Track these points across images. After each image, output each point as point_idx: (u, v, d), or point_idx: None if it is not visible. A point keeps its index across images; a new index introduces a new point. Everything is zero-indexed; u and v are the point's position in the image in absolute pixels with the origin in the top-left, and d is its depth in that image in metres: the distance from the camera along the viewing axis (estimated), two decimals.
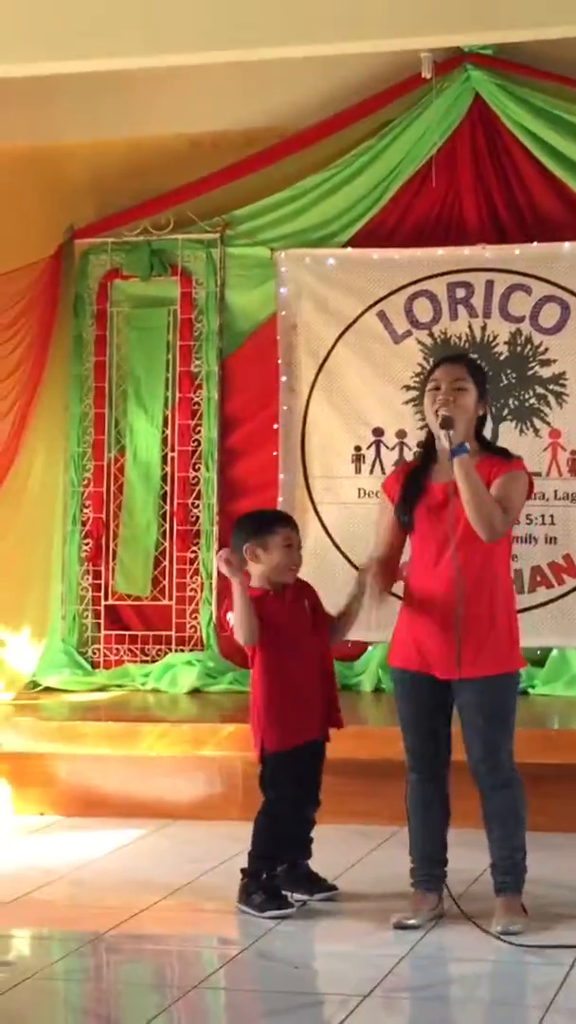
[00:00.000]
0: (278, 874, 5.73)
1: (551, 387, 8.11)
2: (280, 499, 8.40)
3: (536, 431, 8.11)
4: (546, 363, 8.13)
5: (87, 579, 8.68)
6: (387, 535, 5.59)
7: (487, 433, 7.75)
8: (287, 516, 6.07)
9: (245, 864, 5.76)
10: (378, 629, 7.98)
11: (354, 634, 8.10)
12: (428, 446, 5.57)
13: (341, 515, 8.34)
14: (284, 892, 5.69)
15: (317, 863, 5.90)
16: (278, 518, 5.98)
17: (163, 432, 8.62)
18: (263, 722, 5.74)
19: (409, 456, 8.11)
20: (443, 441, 5.38)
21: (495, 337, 8.20)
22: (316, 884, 5.83)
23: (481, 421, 5.57)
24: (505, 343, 8.18)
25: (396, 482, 5.60)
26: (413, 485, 5.52)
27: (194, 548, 8.55)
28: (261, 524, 5.85)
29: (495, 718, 5.42)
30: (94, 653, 8.66)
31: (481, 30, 7.32)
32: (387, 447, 8.27)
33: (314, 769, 5.82)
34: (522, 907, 5.42)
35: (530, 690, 7.88)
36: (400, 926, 5.41)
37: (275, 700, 5.72)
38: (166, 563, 8.58)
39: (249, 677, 5.93)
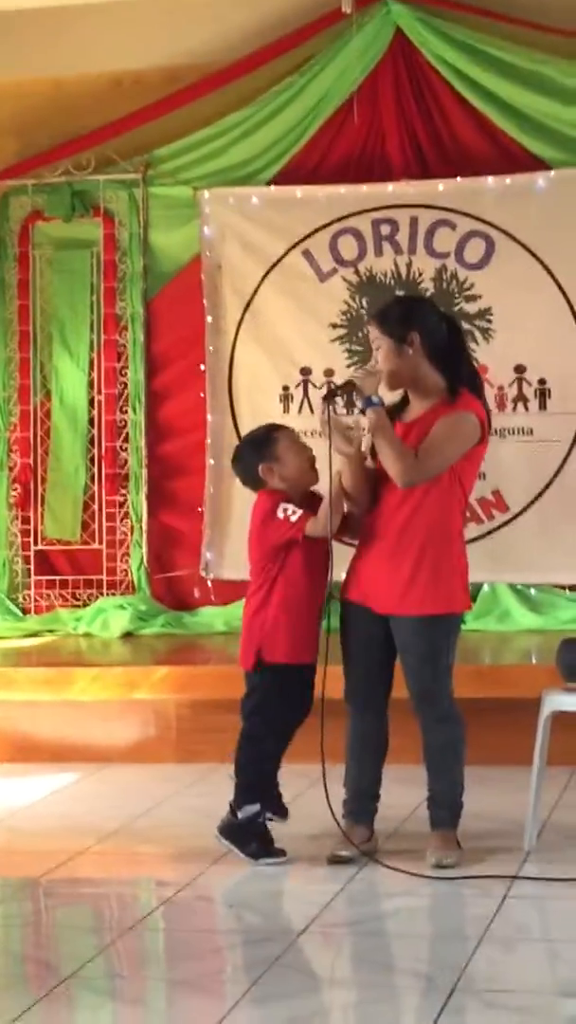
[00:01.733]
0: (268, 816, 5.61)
1: (477, 323, 8.11)
2: (208, 440, 8.38)
3: None
4: (472, 299, 8.12)
5: (16, 525, 8.64)
6: None
7: None
8: (276, 424, 5.85)
9: (231, 798, 5.62)
10: None
11: None
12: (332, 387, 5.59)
13: None
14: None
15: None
16: (271, 428, 5.77)
17: (89, 375, 8.57)
18: (269, 629, 5.56)
19: None
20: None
21: (420, 273, 8.18)
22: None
23: (434, 348, 5.41)
24: (431, 279, 8.17)
25: None
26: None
27: (123, 491, 8.52)
28: (261, 441, 5.69)
29: (427, 657, 5.42)
30: (25, 599, 8.63)
31: None
32: (315, 386, 8.26)
33: (306, 696, 5.61)
34: (456, 841, 5.45)
35: (461, 625, 7.88)
36: (333, 859, 5.43)
37: (291, 611, 5.56)
38: (95, 507, 8.55)
39: (244, 599, 5.77)
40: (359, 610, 5.48)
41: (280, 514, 5.52)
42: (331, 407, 5.35)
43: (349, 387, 5.39)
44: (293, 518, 5.50)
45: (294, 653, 5.57)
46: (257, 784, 5.60)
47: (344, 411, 5.41)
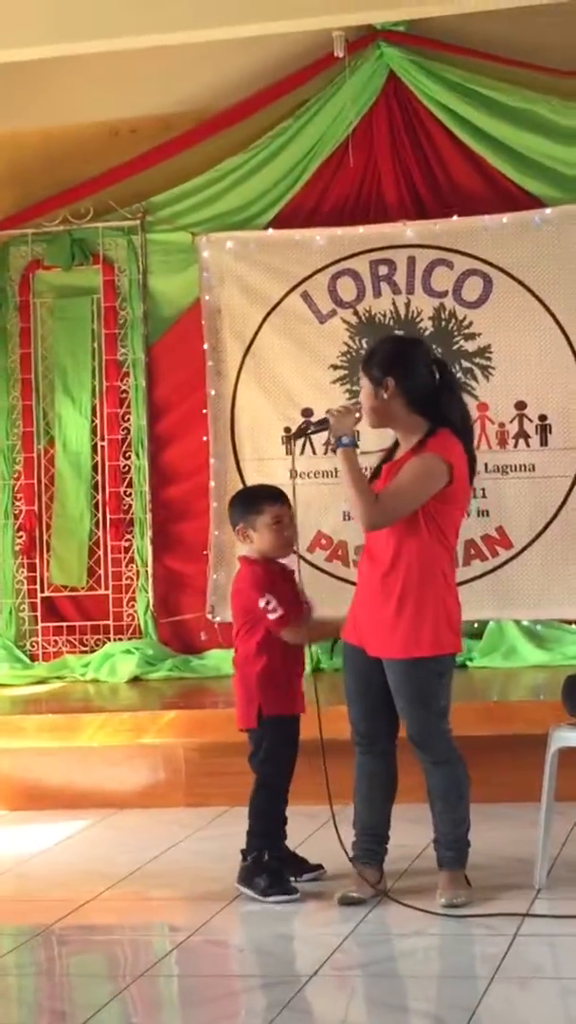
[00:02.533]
0: (280, 855, 5.68)
1: (476, 360, 8.15)
2: (212, 483, 8.41)
3: None
4: (471, 337, 8.16)
5: (22, 572, 8.66)
6: None
7: None
8: (276, 491, 5.83)
9: (244, 846, 5.69)
10: (318, 608, 8.08)
11: None
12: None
13: None
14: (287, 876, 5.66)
15: None
16: (266, 495, 5.79)
17: (92, 421, 8.61)
18: (265, 687, 5.64)
19: None
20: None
21: (419, 313, 8.22)
22: (301, 865, 5.79)
23: (411, 392, 5.42)
24: (429, 318, 8.21)
25: None
26: (376, 470, 5.58)
27: (128, 536, 8.55)
28: (248, 503, 5.77)
29: (415, 700, 5.41)
30: (32, 646, 8.64)
31: (392, 7, 7.36)
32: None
33: (296, 747, 5.75)
34: (465, 879, 5.45)
35: (468, 663, 7.92)
36: (345, 901, 5.44)
37: (280, 666, 5.67)
38: (100, 552, 8.57)
39: (229, 657, 5.89)
40: (356, 651, 5.50)
41: (262, 604, 5.64)
42: (294, 444, 5.45)
43: (323, 424, 5.46)
44: (272, 616, 5.64)
45: (289, 706, 5.70)
46: (268, 831, 5.65)
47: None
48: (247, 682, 5.71)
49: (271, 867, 5.62)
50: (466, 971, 4.90)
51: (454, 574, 5.55)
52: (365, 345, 8.15)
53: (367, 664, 5.47)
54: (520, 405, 8.10)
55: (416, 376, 5.45)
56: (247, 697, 5.72)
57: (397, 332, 8.06)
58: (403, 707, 5.43)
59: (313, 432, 5.54)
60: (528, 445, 8.10)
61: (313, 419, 5.59)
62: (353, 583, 5.72)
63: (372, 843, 5.55)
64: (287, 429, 8.33)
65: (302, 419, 8.28)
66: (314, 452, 8.23)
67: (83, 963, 5.25)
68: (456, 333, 8.18)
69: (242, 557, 5.85)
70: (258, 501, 5.75)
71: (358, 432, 5.52)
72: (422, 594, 5.38)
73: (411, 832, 5.71)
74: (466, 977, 4.82)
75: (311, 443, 8.28)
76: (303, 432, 5.51)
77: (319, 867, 5.81)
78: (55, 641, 8.61)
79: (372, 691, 5.48)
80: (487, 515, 8.11)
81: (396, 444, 5.56)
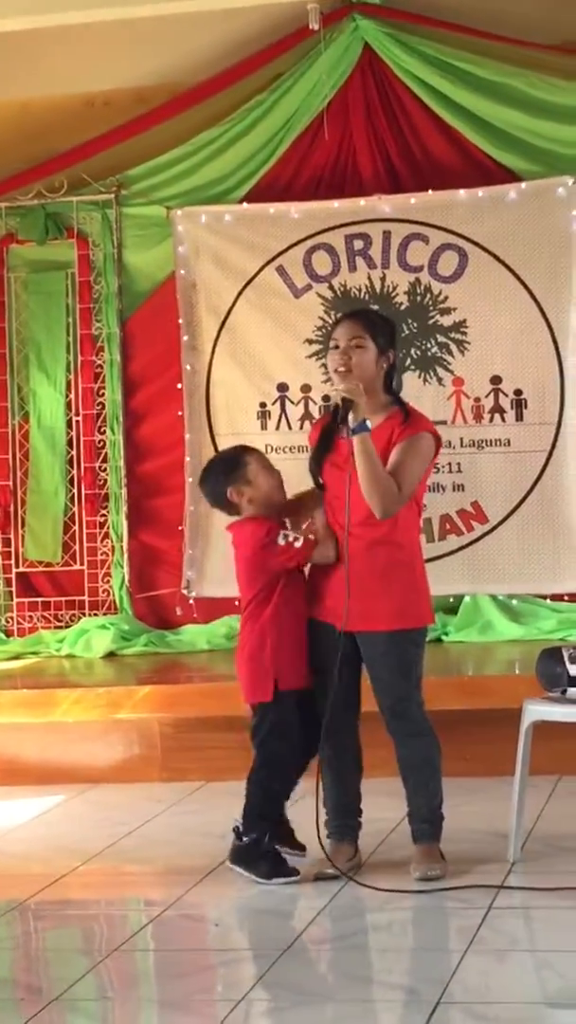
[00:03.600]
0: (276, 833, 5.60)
1: (452, 335, 8.14)
2: (188, 458, 8.39)
3: (440, 380, 8.14)
4: (446, 311, 8.15)
5: None
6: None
7: None
8: (245, 445, 5.86)
9: (238, 825, 5.57)
10: None
11: None
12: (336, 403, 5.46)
13: None
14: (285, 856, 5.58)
15: (233, 819, 5.92)
16: (238, 450, 5.76)
17: (67, 396, 8.58)
18: (276, 660, 5.50)
19: (315, 410, 8.15)
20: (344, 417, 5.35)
21: (395, 287, 8.20)
22: (288, 839, 5.70)
23: (390, 372, 5.53)
24: (405, 293, 8.19)
25: (315, 435, 5.61)
26: (324, 441, 5.52)
27: (103, 511, 8.53)
28: (228, 465, 5.67)
29: (396, 671, 5.43)
30: (7, 621, 8.62)
31: None
32: (292, 402, 8.28)
33: (312, 715, 5.54)
34: (440, 853, 5.46)
35: (444, 637, 7.93)
36: (319, 877, 5.44)
37: (296, 637, 5.53)
38: (76, 528, 8.55)
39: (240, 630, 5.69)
40: (325, 627, 5.48)
41: (281, 541, 5.48)
42: (339, 425, 5.37)
43: (351, 405, 5.32)
44: (297, 544, 5.47)
45: (301, 679, 5.55)
46: (267, 808, 5.57)
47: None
48: (262, 654, 5.54)
49: (270, 849, 5.53)
50: (440, 944, 4.91)
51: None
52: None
53: (335, 640, 5.43)
54: (496, 380, 8.10)
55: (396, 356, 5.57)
56: (261, 670, 5.54)
57: (374, 307, 8.04)
58: (383, 677, 5.43)
59: (344, 414, 5.34)
60: (504, 420, 8.09)
61: (333, 399, 5.39)
62: None
63: (346, 818, 5.56)
64: (262, 404, 8.31)
65: (277, 393, 8.29)
66: (289, 427, 8.22)
67: (58, 938, 5.25)
68: (432, 308, 8.16)
69: (235, 524, 5.67)
70: (236, 458, 5.68)
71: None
72: (411, 567, 5.44)
73: (385, 806, 5.70)
74: (440, 950, 4.83)
75: (287, 417, 8.27)
76: (343, 417, 5.35)
77: (302, 848, 5.67)
78: (30, 616, 8.59)
79: (343, 667, 5.44)
80: (462, 489, 8.11)
81: (335, 413, 5.45)
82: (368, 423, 5.31)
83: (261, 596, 5.56)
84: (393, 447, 5.38)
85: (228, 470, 5.65)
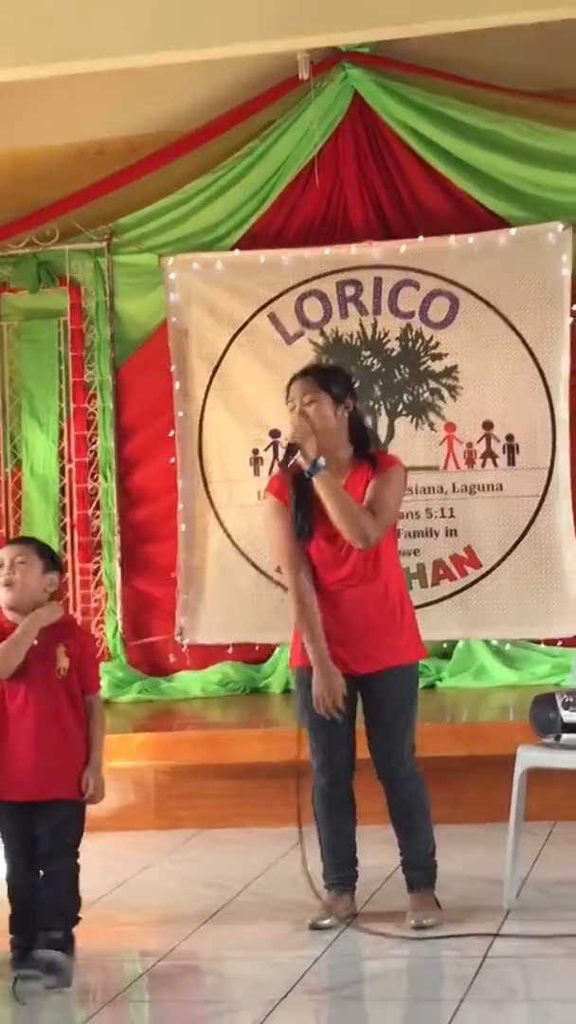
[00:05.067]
0: None
1: (444, 381, 8.16)
2: (180, 505, 8.40)
3: (431, 425, 8.16)
4: (438, 357, 8.18)
5: None
6: (291, 540, 5.53)
7: (382, 430, 7.97)
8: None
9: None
10: (284, 630, 8.07)
11: (261, 636, 8.21)
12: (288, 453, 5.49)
13: (242, 518, 8.35)
14: None
15: (230, 867, 5.91)
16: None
17: (59, 444, 8.60)
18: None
19: None
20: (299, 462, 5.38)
21: (386, 333, 8.24)
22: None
23: (355, 419, 5.54)
24: (396, 339, 8.23)
25: (284, 489, 5.53)
26: (304, 493, 5.46)
27: (96, 559, 8.53)
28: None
29: (403, 706, 5.46)
30: None
31: (357, 28, 7.37)
32: (284, 448, 8.27)
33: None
34: (435, 901, 5.45)
35: (438, 683, 7.92)
36: (315, 927, 5.42)
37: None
38: (69, 575, 8.54)
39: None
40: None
41: None
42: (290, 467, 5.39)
43: (295, 449, 5.40)
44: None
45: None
46: None
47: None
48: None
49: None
50: (436, 993, 4.89)
51: None
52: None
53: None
54: (487, 425, 8.12)
55: (356, 403, 5.58)
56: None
57: (326, 360, 8.06)
58: (388, 718, 5.43)
59: (294, 462, 5.41)
60: (496, 465, 8.11)
61: (283, 443, 5.50)
62: None
63: (346, 870, 5.55)
64: (255, 450, 8.33)
65: (269, 439, 8.30)
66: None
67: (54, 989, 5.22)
68: (423, 353, 8.19)
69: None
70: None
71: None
72: (404, 602, 5.51)
73: (379, 853, 5.68)
74: (436, 999, 4.81)
75: (279, 464, 8.26)
76: (291, 454, 5.40)
77: None
78: None
79: (345, 717, 5.45)
80: (455, 535, 8.13)
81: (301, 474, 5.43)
82: (321, 461, 5.33)
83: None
84: (367, 486, 5.42)
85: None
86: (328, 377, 5.55)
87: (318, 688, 5.38)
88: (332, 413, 5.45)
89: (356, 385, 5.89)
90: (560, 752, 5.47)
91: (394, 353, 8.20)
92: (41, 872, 5.19)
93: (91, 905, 5.89)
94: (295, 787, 5.45)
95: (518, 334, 8.07)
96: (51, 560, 5.35)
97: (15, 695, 5.16)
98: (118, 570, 8.49)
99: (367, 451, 5.56)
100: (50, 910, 5.12)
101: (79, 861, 5.21)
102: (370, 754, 5.49)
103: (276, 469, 5.79)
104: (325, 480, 5.34)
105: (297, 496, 5.46)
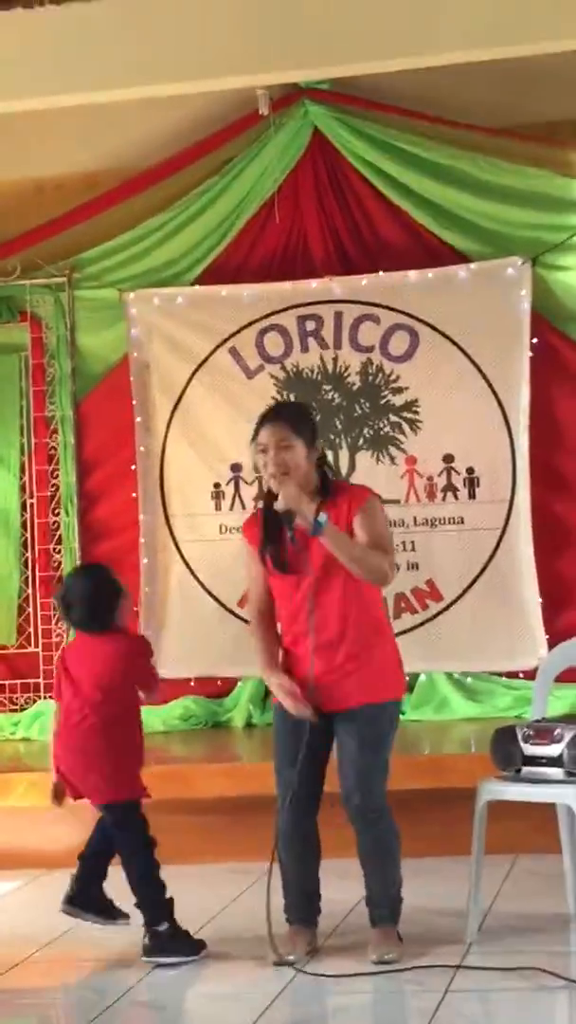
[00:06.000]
0: None
1: (404, 415, 8.19)
2: (142, 540, 8.39)
3: (392, 459, 8.17)
4: (398, 391, 8.20)
5: None
6: (262, 583, 5.54)
7: (344, 464, 7.99)
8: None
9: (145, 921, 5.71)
10: (246, 664, 8.06)
11: (223, 670, 8.19)
12: (269, 498, 5.45)
13: (204, 552, 8.35)
14: None
15: (192, 903, 5.88)
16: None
17: (20, 479, 8.58)
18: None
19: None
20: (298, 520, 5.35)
21: (347, 368, 8.26)
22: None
23: (321, 459, 5.53)
24: (357, 373, 8.25)
25: (257, 531, 5.51)
26: (275, 533, 5.45)
27: None
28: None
29: (373, 746, 5.42)
30: None
31: (317, 66, 7.44)
32: (246, 482, 8.30)
33: None
34: (398, 935, 5.43)
35: (400, 716, 7.90)
36: (278, 963, 5.39)
37: None
38: (30, 610, 8.52)
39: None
40: (292, 718, 5.44)
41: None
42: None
43: (293, 514, 5.33)
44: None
45: None
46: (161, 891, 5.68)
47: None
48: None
49: (180, 930, 5.66)
50: None
51: None
52: (294, 399, 8.16)
53: (306, 724, 5.41)
54: (448, 458, 8.14)
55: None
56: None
57: (289, 398, 8.08)
58: (354, 755, 5.38)
59: (285, 523, 5.37)
60: (456, 498, 8.13)
61: (278, 508, 5.37)
62: None
63: (308, 904, 5.53)
64: (216, 484, 8.34)
65: (231, 474, 8.31)
66: (243, 507, 8.23)
67: None
68: (384, 387, 8.22)
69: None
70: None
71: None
72: (385, 635, 5.49)
73: (340, 888, 5.67)
74: None
75: (240, 498, 8.29)
76: (291, 516, 5.39)
77: (126, 916, 5.81)
78: None
79: (314, 750, 5.44)
80: (417, 568, 8.13)
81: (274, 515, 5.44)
82: (323, 517, 5.29)
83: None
84: (351, 525, 5.40)
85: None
86: (301, 420, 5.50)
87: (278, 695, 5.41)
88: (305, 458, 5.42)
89: (317, 419, 5.86)
90: (521, 785, 5.47)
91: (355, 387, 8.23)
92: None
93: (51, 943, 5.89)
94: (274, 823, 5.43)
95: (478, 368, 8.10)
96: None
97: None
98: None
99: (330, 483, 5.52)
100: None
101: None
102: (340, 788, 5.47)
103: (251, 509, 5.71)
104: (331, 536, 5.29)
105: (268, 532, 5.44)
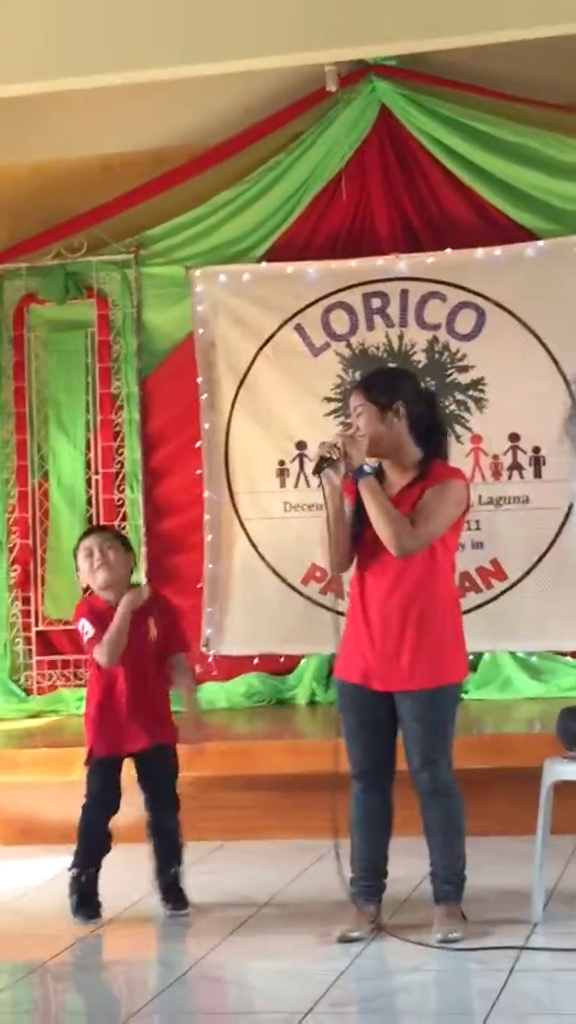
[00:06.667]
0: None
1: (470, 393, 8.16)
2: (206, 517, 8.41)
3: (458, 437, 8.14)
4: (464, 369, 8.18)
5: (16, 606, 8.65)
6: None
7: None
8: (92, 528, 7.04)
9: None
10: (311, 643, 8.08)
11: (286, 647, 8.20)
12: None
13: (268, 529, 8.37)
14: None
15: (256, 879, 5.91)
16: (83, 533, 6.55)
17: (86, 455, 8.62)
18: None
19: None
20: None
21: (413, 345, 8.24)
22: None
23: (418, 422, 5.48)
24: (423, 351, 8.23)
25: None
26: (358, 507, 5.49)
27: None
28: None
29: (435, 727, 5.42)
30: (27, 680, 8.63)
31: (383, 41, 7.38)
32: (310, 459, 8.27)
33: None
34: (461, 914, 5.43)
35: (464, 695, 7.90)
36: (343, 939, 5.41)
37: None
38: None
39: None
40: (359, 691, 5.47)
41: (80, 629, 6.01)
42: (323, 477, 5.39)
43: (337, 456, 5.39)
44: (85, 639, 6.01)
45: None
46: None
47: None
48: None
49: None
50: (463, 1007, 4.88)
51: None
52: (359, 378, 8.14)
53: (372, 702, 5.45)
54: (514, 437, 8.12)
55: (416, 403, 5.51)
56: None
57: (390, 364, 8.07)
58: (419, 735, 5.40)
59: (328, 466, 5.44)
60: (522, 477, 8.11)
61: (324, 452, 5.46)
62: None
63: (372, 880, 5.53)
64: (281, 462, 8.34)
65: (296, 451, 8.31)
66: (308, 485, 8.23)
67: (77, 1000, 5.24)
68: (449, 365, 8.20)
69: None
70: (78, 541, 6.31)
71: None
72: (445, 620, 5.44)
73: (406, 866, 5.68)
74: (463, 1013, 4.80)
75: (305, 475, 8.29)
76: (321, 468, 5.43)
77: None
78: (50, 675, 8.60)
79: (380, 728, 5.46)
80: (481, 547, 8.12)
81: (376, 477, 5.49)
82: (366, 468, 5.36)
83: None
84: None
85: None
86: (373, 387, 5.53)
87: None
88: (378, 420, 5.44)
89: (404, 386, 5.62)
90: None
91: (421, 365, 8.20)
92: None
93: (116, 917, 5.93)
94: (332, 799, 5.43)
95: (544, 346, 8.06)
96: (127, 544, 6.19)
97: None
98: (144, 581, 8.50)
99: (434, 458, 5.50)
100: (174, 847, 6.00)
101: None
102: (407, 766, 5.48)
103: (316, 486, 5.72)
104: (366, 486, 5.36)
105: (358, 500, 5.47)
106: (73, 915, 5.89)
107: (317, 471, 5.44)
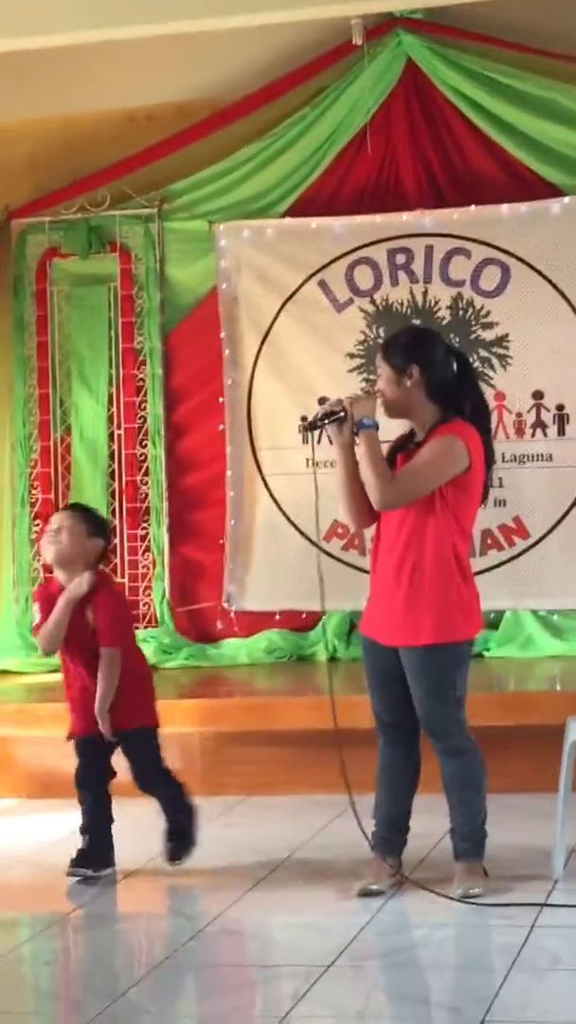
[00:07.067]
0: None
1: (494, 350, 8.12)
2: (229, 472, 8.40)
3: None
4: (488, 326, 8.14)
5: (38, 560, 8.64)
6: None
7: None
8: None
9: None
10: (331, 598, 8.07)
11: (308, 604, 8.19)
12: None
13: (290, 485, 8.34)
14: None
15: (277, 834, 5.92)
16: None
17: (108, 410, 8.60)
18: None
19: None
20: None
21: (437, 302, 8.20)
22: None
23: (432, 383, 5.45)
24: (447, 308, 8.18)
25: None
26: (391, 455, 5.54)
27: (144, 525, 8.54)
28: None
29: (431, 689, 5.40)
30: None
31: None
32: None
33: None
34: (483, 870, 5.44)
35: (485, 653, 7.90)
36: (364, 893, 5.43)
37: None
38: (117, 541, 8.56)
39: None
40: (372, 644, 5.50)
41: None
42: (312, 435, 5.48)
43: (337, 414, 5.45)
44: (34, 620, 6.13)
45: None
46: None
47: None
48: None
49: None
50: (484, 962, 4.88)
51: (469, 561, 5.54)
52: (382, 334, 8.12)
53: (383, 656, 5.46)
54: (537, 395, 8.08)
55: (436, 366, 5.47)
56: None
57: (415, 322, 8.04)
58: (419, 696, 5.41)
59: (329, 423, 5.49)
60: (545, 435, 8.08)
61: (326, 408, 5.53)
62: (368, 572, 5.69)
63: (393, 833, 5.54)
64: (303, 418, 8.30)
65: (319, 407, 8.24)
66: (330, 442, 8.16)
67: (99, 952, 5.25)
68: (474, 322, 8.15)
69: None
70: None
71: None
72: (435, 580, 5.37)
73: (428, 822, 5.68)
74: (484, 968, 4.80)
75: (327, 432, 8.23)
76: (314, 425, 5.51)
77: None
78: None
79: (392, 681, 5.46)
80: (504, 504, 8.09)
81: (412, 433, 5.55)
82: (367, 422, 5.39)
83: None
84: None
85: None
86: (389, 349, 5.53)
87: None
88: (395, 384, 5.44)
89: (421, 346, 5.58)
90: None
91: (444, 322, 8.16)
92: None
93: (136, 870, 5.95)
94: (338, 754, 5.44)
95: (570, 303, 8.02)
96: (97, 526, 6.05)
97: (65, 652, 5.97)
98: (166, 536, 8.50)
99: (455, 417, 5.46)
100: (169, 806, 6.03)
101: None
102: None
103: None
104: (364, 438, 5.39)
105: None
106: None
107: (310, 428, 5.56)
